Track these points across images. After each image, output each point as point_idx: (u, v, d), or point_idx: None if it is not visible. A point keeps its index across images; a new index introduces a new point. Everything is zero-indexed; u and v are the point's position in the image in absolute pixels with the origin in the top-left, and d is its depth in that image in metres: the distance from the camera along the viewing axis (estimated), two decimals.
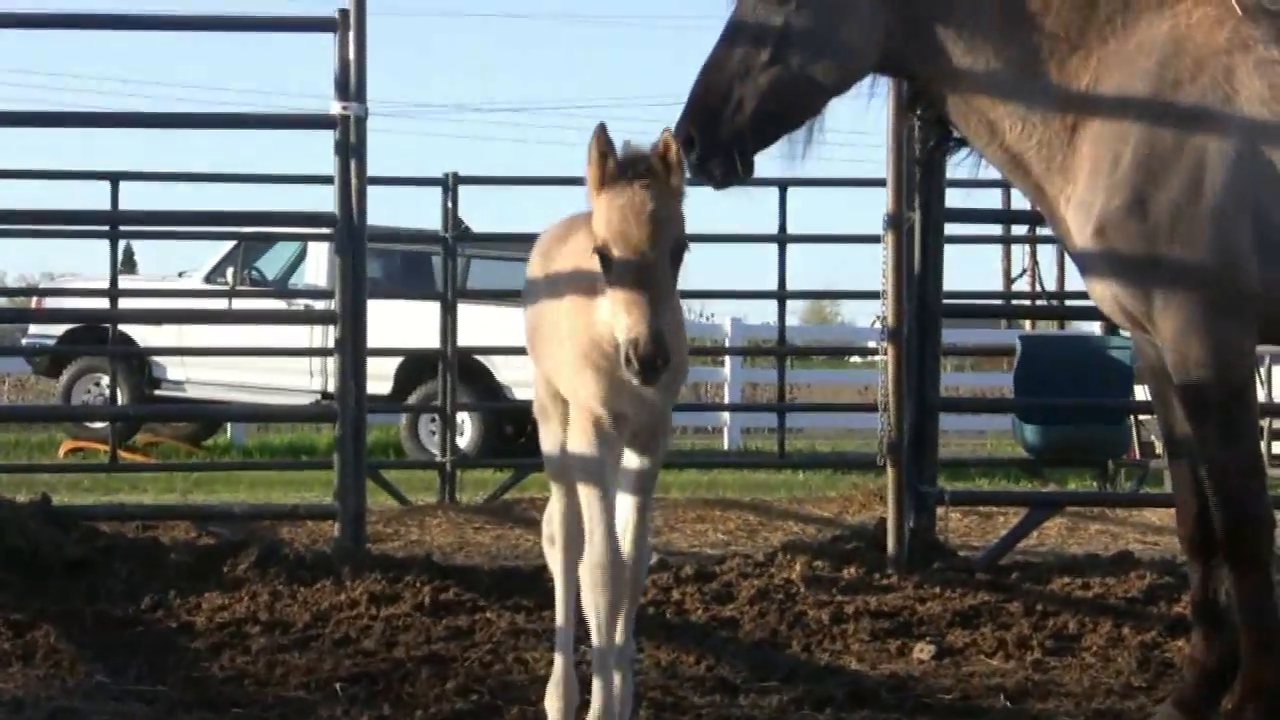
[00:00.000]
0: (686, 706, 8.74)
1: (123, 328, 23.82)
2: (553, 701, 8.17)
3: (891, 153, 12.61)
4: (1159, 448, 11.14)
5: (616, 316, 6.87)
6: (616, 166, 7.11)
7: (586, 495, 7.60)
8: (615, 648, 7.62)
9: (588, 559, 7.50)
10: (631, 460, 7.81)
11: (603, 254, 6.98)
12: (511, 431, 26.79)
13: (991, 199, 26.64)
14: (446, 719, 8.38)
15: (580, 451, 7.71)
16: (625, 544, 7.59)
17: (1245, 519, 7.84)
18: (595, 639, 7.54)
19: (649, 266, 6.93)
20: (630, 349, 6.69)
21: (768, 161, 8.49)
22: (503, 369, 25.36)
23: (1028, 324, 37.47)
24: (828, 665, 9.82)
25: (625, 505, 7.73)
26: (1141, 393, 14.15)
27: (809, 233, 19.66)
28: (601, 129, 7.19)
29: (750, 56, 8.12)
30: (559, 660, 8.30)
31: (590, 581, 7.47)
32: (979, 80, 8.19)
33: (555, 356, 7.97)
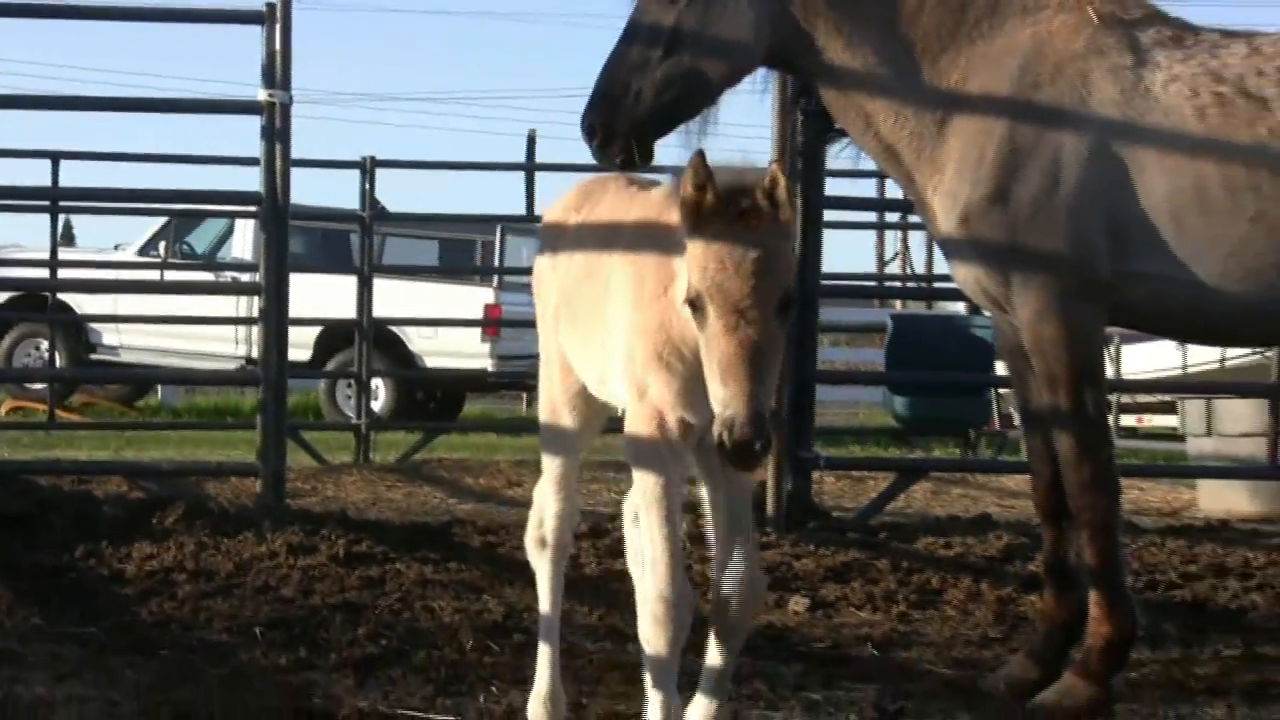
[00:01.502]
0: (579, 652, 8.74)
1: (62, 296, 23.71)
2: (539, 716, 7.07)
3: (775, 144, 12.63)
4: (1016, 419, 11.21)
5: (711, 381, 5.53)
6: (716, 201, 5.62)
7: (652, 513, 6.17)
8: (707, 698, 6.45)
9: (650, 590, 6.11)
10: (721, 476, 6.36)
11: (696, 305, 5.57)
12: (422, 397, 26.76)
13: (867, 188, 26.81)
14: (358, 662, 8.35)
15: (644, 460, 6.25)
16: (734, 575, 6.27)
17: (1094, 485, 7.90)
18: (651, 682, 6.24)
19: (752, 326, 5.48)
20: (724, 431, 5.35)
21: (665, 150, 8.50)
22: (414, 339, 25.36)
23: (899, 304, 37.63)
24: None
25: (722, 528, 6.42)
26: (1001, 368, 14.22)
27: None
28: (700, 158, 5.69)
29: (646, 53, 8.18)
30: (543, 668, 7.17)
31: (650, 617, 6.10)
32: (857, 76, 8.24)
33: (592, 346, 6.66)
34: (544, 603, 7.34)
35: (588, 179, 7.49)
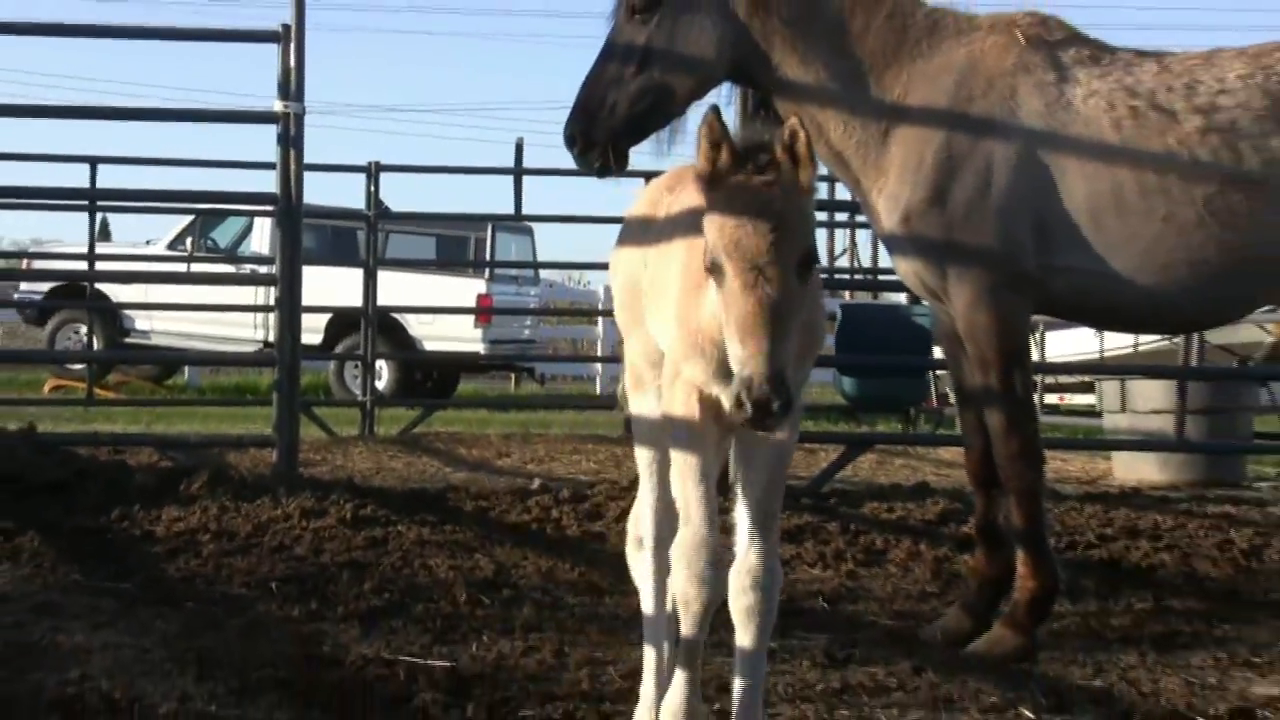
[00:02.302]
0: (562, 605, 8.74)
1: (99, 286, 23.62)
2: None
3: None
4: (951, 398, 11.22)
5: (730, 341, 4.93)
6: (732, 159, 5.11)
7: (682, 469, 5.63)
8: (744, 679, 5.58)
9: (682, 540, 5.56)
10: (751, 451, 5.70)
11: (715, 266, 5.01)
12: (420, 377, 26.73)
13: (819, 190, 26.83)
14: (363, 614, 8.35)
15: (678, 419, 5.69)
16: (748, 562, 5.53)
17: (1020, 456, 7.92)
18: (685, 632, 5.65)
19: (771, 284, 4.91)
20: (743, 390, 4.79)
21: (639, 156, 8.61)
22: (414, 325, 25.37)
23: (847, 294, 37.63)
24: None
25: (744, 511, 5.69)
26: (938, 353, 14.21)
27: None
28: (715, 113, 5.18)
29: (621, 69, 8.28)
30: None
31: (685, 567, 5.54)
32: (810, 89, 8.27)
33: (663, 315, 5.90)
34: (649, 598, 6.35)
35: (669, 172, 6.66)
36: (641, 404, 6.43)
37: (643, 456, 6.32)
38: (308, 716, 6.26)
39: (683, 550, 5.54)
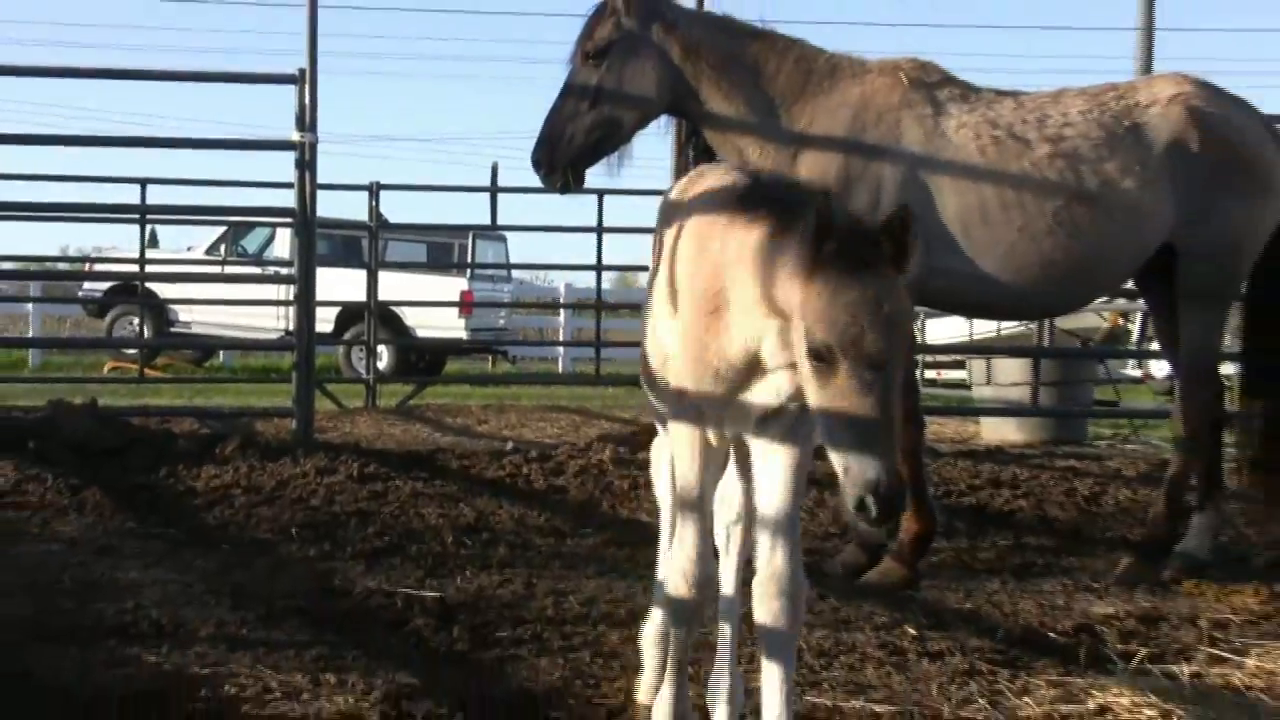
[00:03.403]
0: (531, 545, 8.72)
1: (148, 285, 23.49)
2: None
3: (673, 172, 12.61)
4: None
5: (839, 436, 4.04)
6: (837, 247, 4.10)
7: (683, 486, 4.80)
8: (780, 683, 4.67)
9: (672, 560, 4.89)
10: (769, 463, 4.70)
11: (821, 356, 4.05)
12: (414, 358, 26.64)
13: None
14: (368, 554, 8.33)
15: (682, 468, 4.84)
16: (774, 568, 4.64)
17: (905, 421, 7.93)
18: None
19: (889, 386, 4.06)
20: (869, 494, 3.93)
21: (593, 176, 8.78)
22: (409, 316, 25.27)
23: None
24: (627, 518, 9.83)
25: (766, 520, 4.72)
26: None
27: (619, 225, 19.52)
28: (827, 200, 4.17)
29: (577, 105, 8.39)
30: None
31: (670, 584, 4.90)
32: (733, 121, 8.33)
33: (668, 320, 4.99)
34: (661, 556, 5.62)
35: (700, 168, 5.74)
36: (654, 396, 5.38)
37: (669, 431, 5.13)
38: (322, 638, 6.25)
39: (672, 568, 4.86)
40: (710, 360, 4.58)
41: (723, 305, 4.51)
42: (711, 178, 5.21)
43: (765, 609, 4.64)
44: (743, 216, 4.52)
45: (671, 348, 4.92)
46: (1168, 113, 8.15)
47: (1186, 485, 8.46)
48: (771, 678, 4.65)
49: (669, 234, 5.12)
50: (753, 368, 4.50)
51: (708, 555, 4.79)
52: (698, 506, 4.79)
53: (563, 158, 8.42)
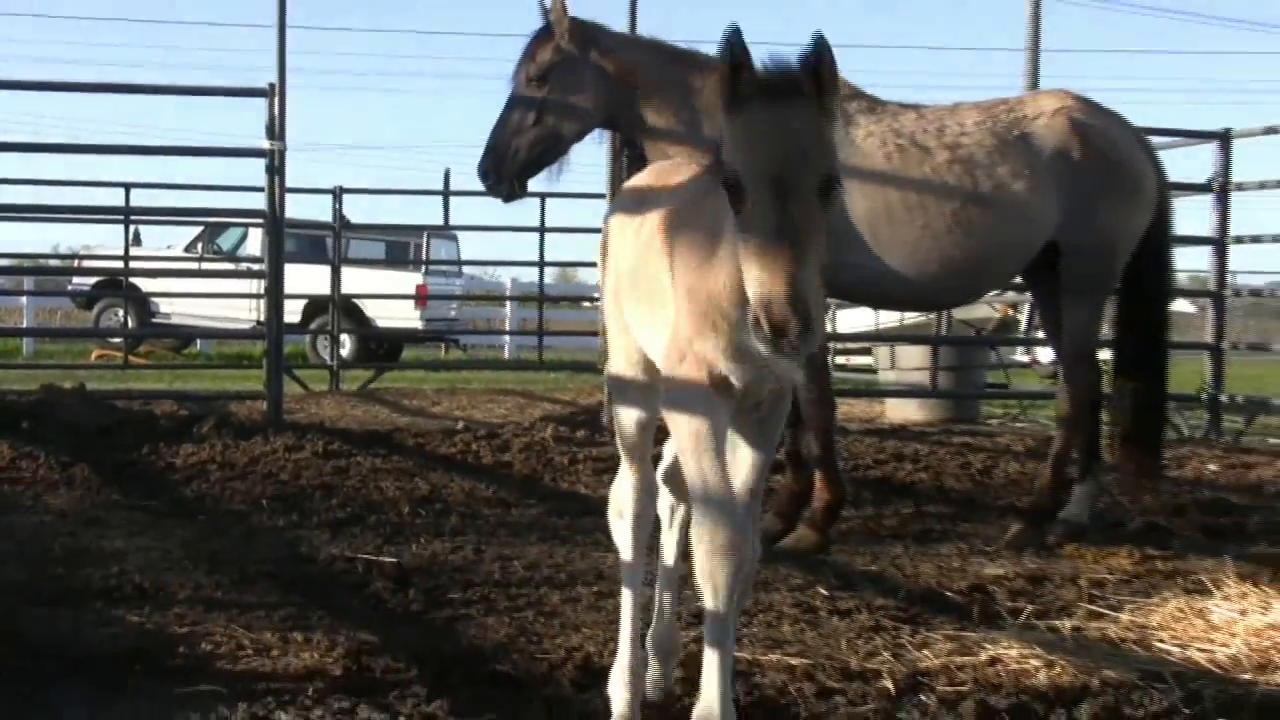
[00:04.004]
0: (480, 515, 8.70)
1: (132, 280, 23.38)
2: (617, 689, 4.73)
3: (609, 178, 12.60)
4: None
5: (747, 265, 3.70)
6: (753, 82, 3.84)
7: (701, 455, 4.16)
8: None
9: (708, 530, 4.15)
10: (742, 433, 4.42)
11: (732, 188, 3.76)
12: (374, 346, 26.54)
13: None
14: (332, 523, 8.30)
15: (687, 406, 4.22)
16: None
17: (818, 402, 7.98)
18: (707, 637, 4.26)
19: (791, 203, 3.68)
20: (762, 311, 3.58)
21: (535, 182, 8.74)
22: (370, 308, 25.21)
23: None
24: (567, 490, 9.82)
25: (740, 469, 4.44)
26: None
27: (560, 225, 19.49)
28: (735, 34, 3.90)
29: (522, 119, 8.40)
30: (625, 635, 4.81)
31: (713, 553, 4.16)
32: (662, 132, 8.31)
33: (649, 317, 4.60)
34: (625, 573, 4.94)
35: (649, 171, 5.30)
36: (620, 408, 4.91)
37: (625, 446, 4.87)
38: (290, 600, 6.22)
39: (710, 546, 4.16)
40: (707, 313, 4.15)
41: (715, 244, 4.11)
42: (673, 173, 4.97)
43: (722, 578, 4.18)
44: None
45: (657, 337, 4.51)
46: (1052, 124, 8.22)
47: (1069, 459, 8.52)
48: (713, 638, 4.24)
49: (636, 229, 4.76)
50: (744, 304, 3.89)
51: (743, 532, 4.24)
52: (726, 506, 4.18)
53: (509, 170, 8.42)
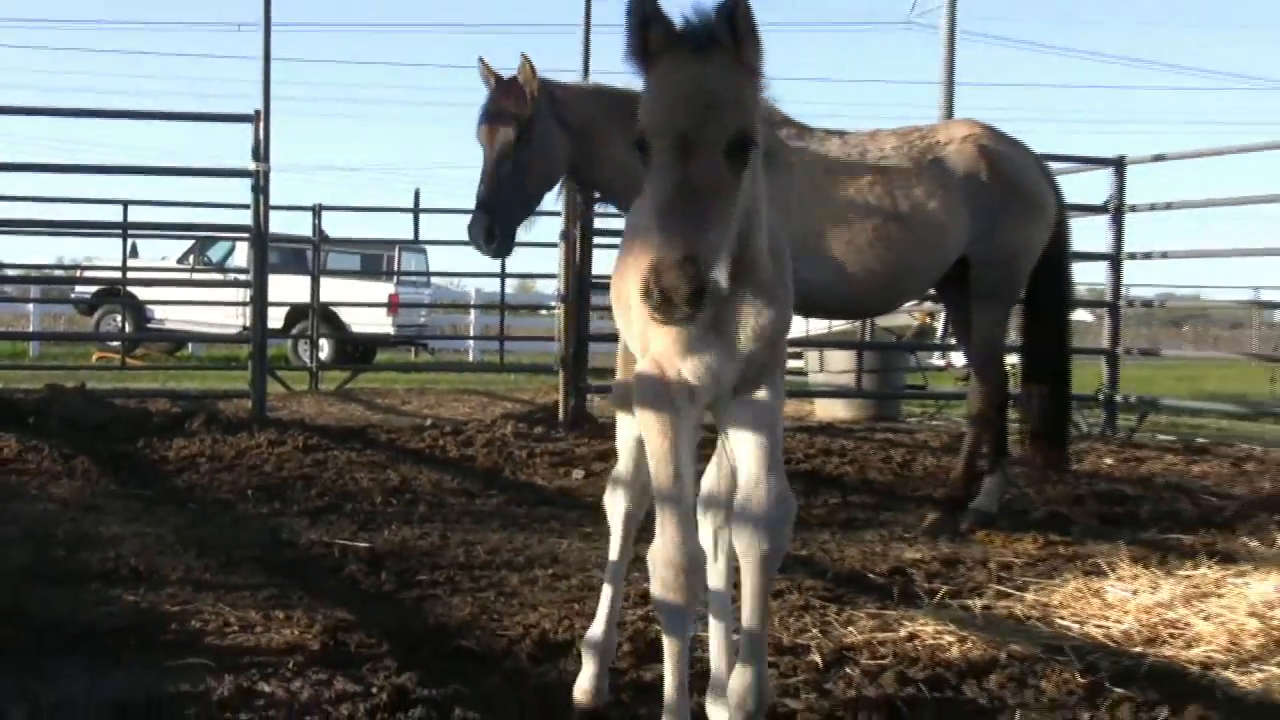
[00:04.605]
0: (446, 504, 8.68)
1: (130, 288, 23.24)
2: (586, 653, 4.48)
3: (564, 209, 12.54)
4: None
5: (649, 231, 3.33)
6: (667, 37, 3.35)
7: (655, 457, 3.73)
8: (743, 634, 3.92)
9: (656, 551, 3.71)
10: (739, 413, 3.83)
11: (641, 148, 3.35)
12: (350, 350, 26.43)
13: (619, 222, 26.90)
14: (311, 510, 8.26)
15: (645, 401, 3.77)
16: (756, 496, 3.71)
17: None
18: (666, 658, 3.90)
19: (692, 161, 3.21)
20: (651, 274, 3.09)
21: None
22: (346, 315, 25.12)
23: None
24: (526, 481, 9.80)
25: (745, 457, 3.80)
26: None
27: (519, 241, 19.48)
28: None
29: (508, 179, 8.17)
30: (602, 610, 4.55)
31: (658, 581, 3.72)
32: (614, 180, 8.24)
33: (624, 319, 4.25)
34: (612, 547, 4.61)
35: None
36: (621, 399, 4.49)
37: (621, 430, 4.57)
38: (272, 581, 6.19)
39: (655, 563, 3.73)
40: (620, 308, 3.87)
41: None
42: None
43: (742, 540, 3.76)
44: None
45: (631, 340, 4.16)
46: (962, 150, 8.28)
47: (979, 453, 8.57)
48: (750, 604, 3.87)
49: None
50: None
51: (696, 560, 3.75)
52: (674, 507, 3.72)
53: (507, 229, 8.25)
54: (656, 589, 3.74)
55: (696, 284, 3.09)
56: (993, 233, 8.22)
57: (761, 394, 3.84)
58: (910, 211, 8.09)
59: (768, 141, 3.67)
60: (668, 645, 3.87)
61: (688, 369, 3.73)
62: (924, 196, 8.10)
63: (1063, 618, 5.89)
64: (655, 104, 3.32)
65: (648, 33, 3.38)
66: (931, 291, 9.23)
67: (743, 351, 3.73)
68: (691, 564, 3.71)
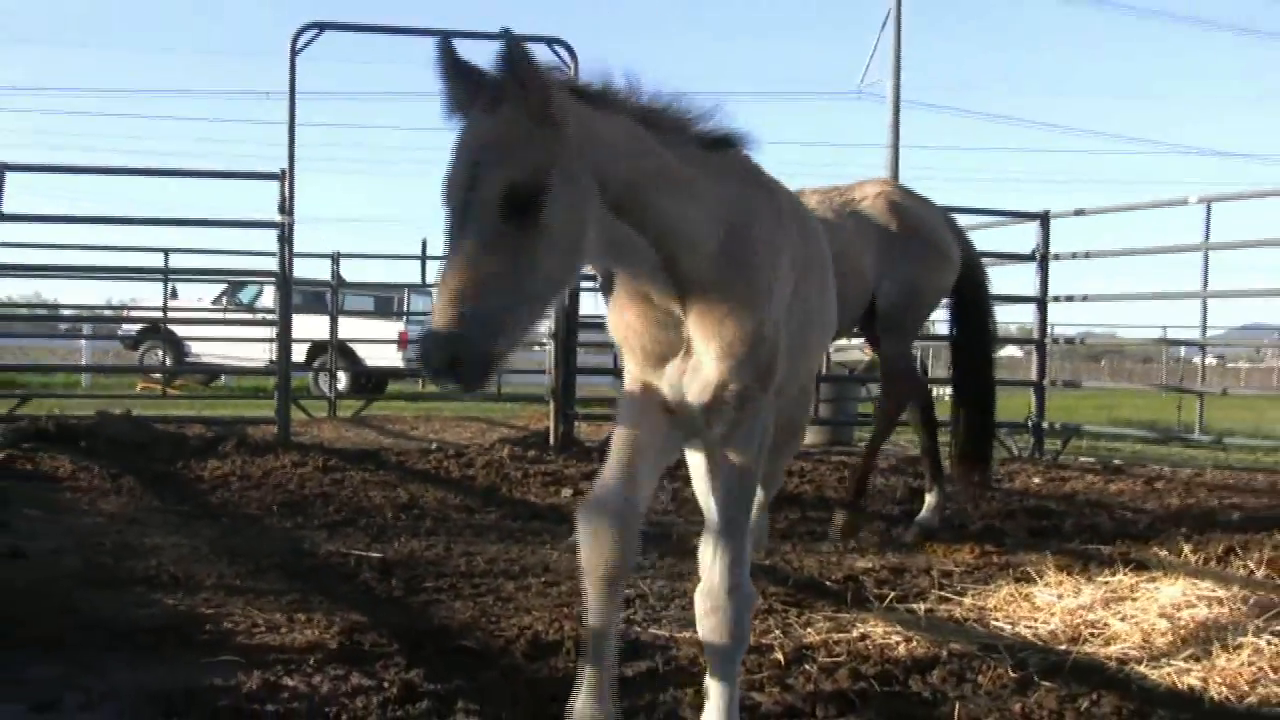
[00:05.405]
0: (449, 518, 8.65)
1: (170, 326, 23.21)
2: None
3: None
4: None
5: None
6: (461, 93, 2.92)
7: (603, 469, 3.59)
8: (716, 687, 3.64)
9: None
10: (714, 464, 3.61)
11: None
12: (364, 381, 26.38)
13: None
14: (330, 524, 8.23)
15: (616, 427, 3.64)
16: (710, 583, 3.56)
17: None
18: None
19: (458, 225, 2.77)
20: (419, 341, 2.80)
21: None
22: (361, 350, 25.11)
23: None
24: (520, 499, 9.77)
25: (710, 522, 3.62)
26: None
27: None
28: (444, 42, 2.93)
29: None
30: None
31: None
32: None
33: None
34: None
35: None
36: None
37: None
38: (295, 587, 6.17)
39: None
40: (629, 342, 3.62)
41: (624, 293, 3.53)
42: None
43: (703, 624, 3.53)
44: None
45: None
46: (875, 204, 8.38)
47: (876, 456, 8.87)
48: (714, 693, 3.61)
49: None
50: (664, 322, 3.40)
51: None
52: (604, 510, 3.52)
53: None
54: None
55: (449, 355, 2.67)
56: (897, 274, 8.30)
57: (733, 455, 3.55)
58: (837, 257, 8.12)
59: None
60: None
61: (661, 387, 3.61)
62: (846, 245, 8.13)
63: (997, 619, 5.90)
64: (447, 164, 2.88)
65: (451, 89, 2.94)
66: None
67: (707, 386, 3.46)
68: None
